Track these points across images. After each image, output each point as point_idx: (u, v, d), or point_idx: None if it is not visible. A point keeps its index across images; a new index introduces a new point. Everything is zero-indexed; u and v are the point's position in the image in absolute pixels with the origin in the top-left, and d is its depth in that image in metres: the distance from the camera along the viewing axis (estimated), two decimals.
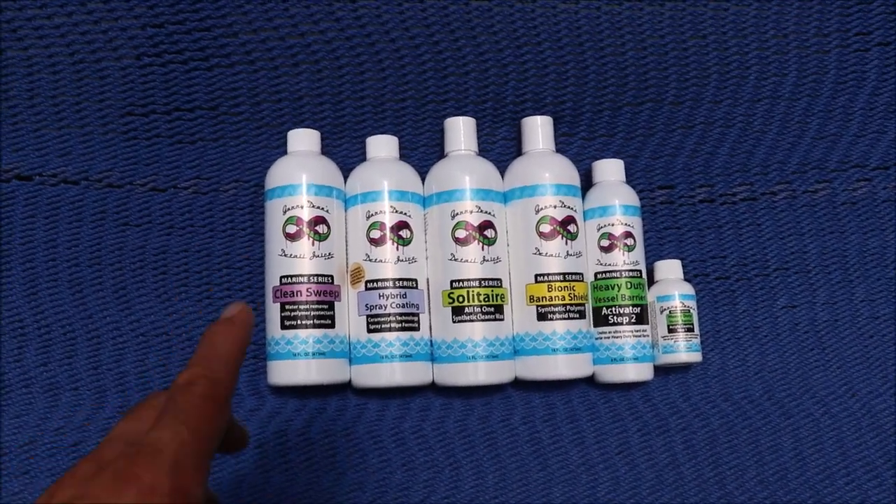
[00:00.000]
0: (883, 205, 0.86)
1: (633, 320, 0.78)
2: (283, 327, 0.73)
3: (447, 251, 0.76)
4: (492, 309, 0.75)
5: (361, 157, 0.81)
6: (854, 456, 0.80)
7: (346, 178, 0.79)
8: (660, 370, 0.81)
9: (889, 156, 0.86)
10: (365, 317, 0.75)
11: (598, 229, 0.79)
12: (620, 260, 0.79)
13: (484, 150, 0.82)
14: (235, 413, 0.76)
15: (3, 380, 0.76)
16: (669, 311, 0.79)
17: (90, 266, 0.79)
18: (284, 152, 0.79)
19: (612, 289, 0.78)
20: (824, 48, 0.84)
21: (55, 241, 0.78)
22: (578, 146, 0.84)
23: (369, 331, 0.75)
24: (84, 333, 0.78)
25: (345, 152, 0.82)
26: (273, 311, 0.74)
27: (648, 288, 0.81)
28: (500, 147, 0.84)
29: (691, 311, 0.79)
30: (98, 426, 0.76)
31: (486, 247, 0.76)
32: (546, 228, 0.76)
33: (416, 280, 0.76)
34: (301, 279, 0.74)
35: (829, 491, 0.78)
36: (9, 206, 0.78)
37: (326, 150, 0.81)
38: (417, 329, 0.75)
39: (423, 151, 0.83)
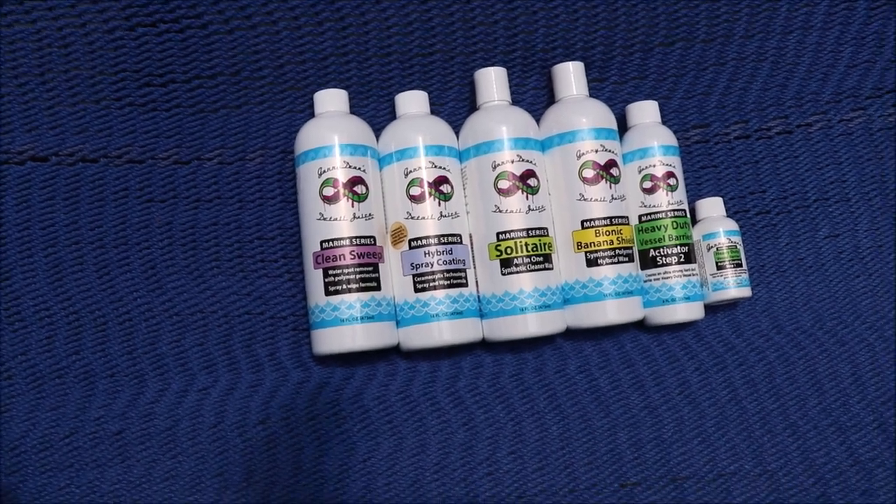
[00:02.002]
0: None
1: (680, 260, 0.77)
2: (328, 293, 0.71)
3: (490, 203, 0.74)
4: (540, 258, 0.73)
5: (390, 115, 0.79)
6: None
7: (377, 136, 0.76)
8: (708, 308, 0.80)
9: None
10: (411, 276, 0.73)
11: (640, 171, 0.78)
12: (664, 200, 0.78)
13: (515, 101, 0.80)
14: (283, 387, 0.74)
15: (35, 371, 0.72)
16: (716, 248, 0.78)
17: (116, 247, 0.75)
18: (311, 115, 0.76)
19: (658, 230, 0.77)
20: None
21: (77, 224, 0.74)
22: (610, 91, 0.83)
23: (416, 290, 0.72)
24: (115, 318, 0.74)
25: (372, 111, 0.80)
26: (315, 278, 0.72)
27: (692, 227, 0.80)
28: (531, 97, 0.82)
29: (738, 246, 0.78)
30: (139, 412, 0.72)
31: (529, 196, 0.74)
32: (589, 173, 0.75)
33: (459, 235, 0.74)
34: (343, 242, 0.71)
35: (892, 412, 0.78)
36: (26, 190, 0.74)
37: (354, 109, 0.78)
38: (465, 285, 0.73)
39: (452, 106, 0.81)
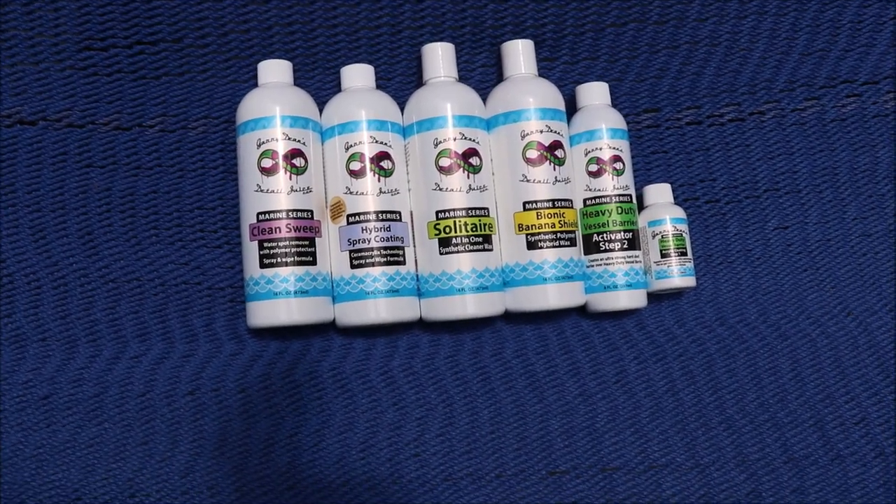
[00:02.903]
0: (873, 120, 0.84)
1: (624, 246, 0.76)
2: (263, 266, 0.70)
3: (431, 181, 0.73)
4: (480, 239, 0.72)
5: (335, 88, 0.78)
6: (852, 374, 0.79)
7: (320, 110, 0.75)
8: (652, 297, 0.79)
9: (878, 70, 0.84)
10: (348, 252, 0.72)
11: (586, 154, 0.77)
12: (610, 185, 0.76)
13: (463, 79, 0.79)
14: (215, 359, 0.73)
15: None
16: (661, 236, 0.77)
17: (53, 211, 0.74)
18: (255, 86, 0.75)
19: (603, 214, 0.76)
20: None
21: (13, 186, 0.74)
22: (561, 71, 0.82)
23: (353, 266, 0.71)
24: (50, 282, 0.74)
25: (318, 84, 0.79)
26: (251, 250, 0.71)
27: (638, 213, 0.78)
28: (480, 74, 0.81)
29: (683, 234, 0.77)
30: (68, 377, 0.71)
31: (471, 175, 0.73)
32: (533, 154, 0.74)
33: (399, 213, 0.73)
34: (279, 215, 0.70)
35: (830, 410, 0.77)
36: None
37: (298, 81, 0.77)
38: (403, 263, 0.72)
39: (400, 81, 0.80)
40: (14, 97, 0.74)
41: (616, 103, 0.81)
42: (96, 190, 0.75)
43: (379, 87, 0.77)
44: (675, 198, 0.81)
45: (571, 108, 0.79)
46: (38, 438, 0.70)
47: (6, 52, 0.74)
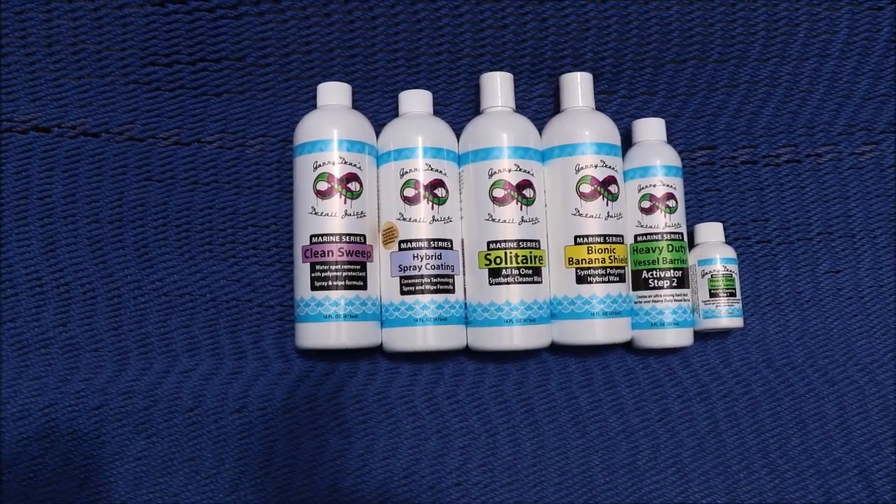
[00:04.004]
0: None
1: (673, 284, 0.76)
2: (314, 288, 0.71)
3: (484, 211, 0.73)
4: (529, 271, 0.72)
5: (393, 112, 0.78)
6: None
7: (377, 133, 0.76)
8: (698, 335, 0.79)
9: None
10: (398, 278, 0.72)
11: (639, 190, 0.77)
12: (661, 222, 0.76)
13: (520, 108, 0.79)
14: (262, 377, 0.74)
15: (21, 340, 0.73)
16: (711, 275, 0.77)
17: (111, 223, 0.75)
18: (313, 106, 0.76)
19: (653, 251, 0.76)
20: (877, 5, 0.81)
21: (74, 197, 0.75)
22: (617, 104, 0.82)
23: (403, 293, 0.72)
24: (104, 293, 0.75)
25: (375, 107, 0.79)
26: (302, 272, 0.71)
27: (688, 251, 0.78)
28: (537, 104, 0.81)
29: (733, 275, 0.77)
30: (119, 388, 0.73)
31: (524, 207, 0.73)
32: (586, 189, 0.74)
33: (451, 241, 0.73)
34: (332, 238, 0.71)
35: (876, 460, 0.76)
36: (26, 159, 0.74)
37: (357, 104, 0.78)
38: (452, 291, 0.73)
39: (457, 108, 0.80)
40: (79, 108, 0.76)
41: (672, 139, 0.81)
42: (153, 204, 0.76)
43: (436, 112, 0.77)
44: (726, 237, 0.81)
45: (627, 142, 0.79)
46: (88, 448, 0.71)
47: (74, 66, 0.75)
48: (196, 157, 0.77)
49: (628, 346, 0.79)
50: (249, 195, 0.78)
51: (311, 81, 0.78)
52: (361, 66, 0.79)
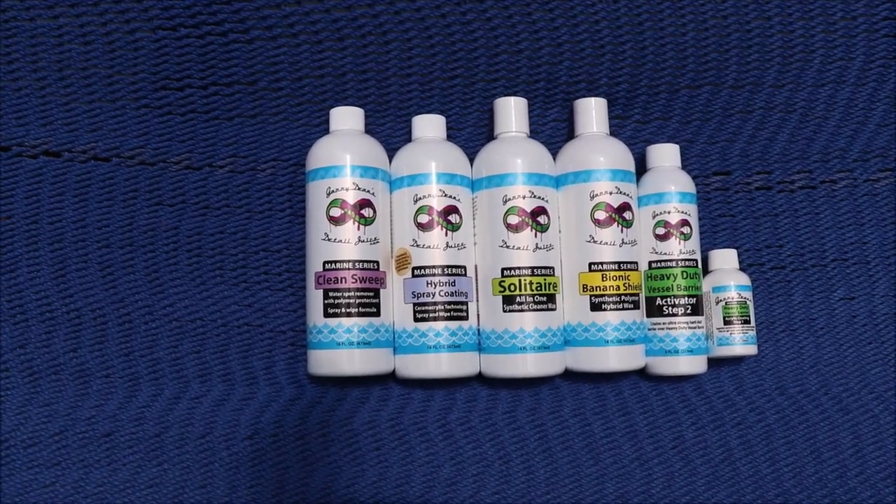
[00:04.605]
0: None
1: (687, 311, 0.76)
2: (326, 315, 0.70)
3: (498, 238, 0.73)
4: (544, 298, 0.72)
5: (406, 137, 0.78)
6: None
7: (390, 158, 0.75)
8: (712, 362, 0.78)
9: None
10: (412, 305, 0.72)
11: (654, 217, 0.76)
12: (676, 249, 0.76)
13: (534, 133, 0.79)
14: (274, 403, 0.74)
15: (31, 366, 0.73)
16: (725, 303, 0.76)
17: (121, 247, 0.75)
18: (326, 131, 0.76)
19: (668, 279, 0.76)
20: (892, 32, 0.80)
21: (84, 221, 0.75)
22: (632, 129, 0.81)
23: (416, 319, 0.71)
24: (115, 318, 0.74)
25: (388, 131, 0.79)
26: (315, 298, 0.71)
27: (703, 277, 0.78)
28: (551, 129, 0.81)
29: (748, 302, 0.77)
30: (130, 415, 0.72)
31: (538, 234, 0.73)
32: (601, 215, 0.73)
33: (464, 267, 0.73)
34: (345, 265, 0.70)
35: (891, 490, 0.76)
36: (37, 184, 0.74)
37: (370, 128, 0.77)
38: (466, 318, 0.72)
39: (471, 132, 0.80)
40: (90, 133, 0.75)
41: (686, 164, 0.80)
42: (164, 228, 0.76)
43: (449, 137, 0.77)
44: (740, 262, 0.80)
45: (641, 167, 0.79)
46: (100, 476, 0.71)
47: (85, 90, 0.75)
48: (207, 182, 0.77)
49: (642, 373, 0.78)
50: (261, 220, 0.77)
51: (324, 106, 0.77)
52: (374, 91, 0.78)
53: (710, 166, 0.82)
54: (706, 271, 0.79)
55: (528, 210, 0.73)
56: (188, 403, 0.74)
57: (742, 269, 0.80)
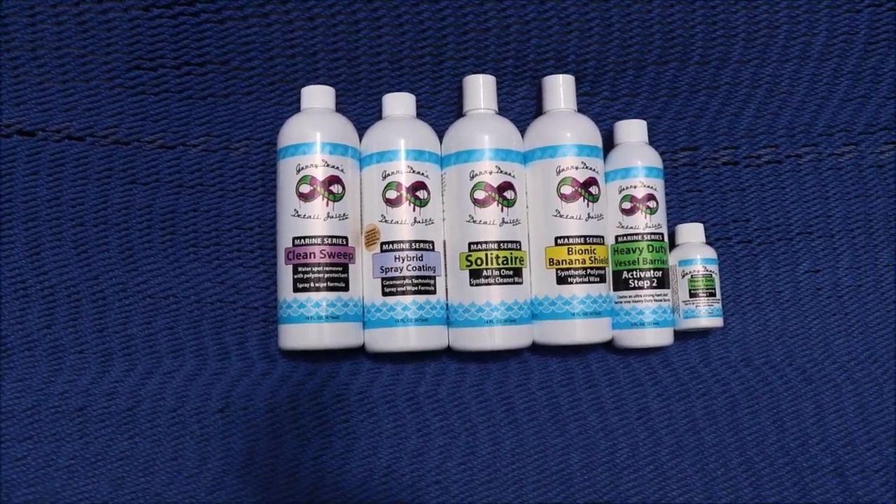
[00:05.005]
0: None
1: (653, 284, 0.76)
2: (296, 290, 0.71)
3: (465, 213, 0.74)
4: (510, 272, 0.73)
5: (377, 115, 0.79)
6: (875, 422, 0.79)
7: (360, 136, 0.76)
8: (679, 335, 0.79)
9: None
10: (380, 279, 0.73)
11: (620, 191, 0.77)
12: (642, 223, 0.77)
13: (503, 110, 0.80)
14: (245, 377, 0.75)
15: (4, 342, 0.74)
16: (691, 276, 0.77)
17: (95, 225, 0.76)
18: (298, 109, 0.77)
19: (634, 252, 0.77)
20: (856, 7, 0.81)
21: (59, 200, 0.76)
22: (600, 106, 0.82)
23: (384, 294, 0.72)
24: (89, 295, 0.75)
25: (360, 110, 0.80)
26: (285, 274, 0.72)
27: (669, 251, 0.79)
28: (520, 106, 0.82)
29: (713, 275, 0.78)
30: (103, 389, 0.73)
31: (505, 208, 0.74)
32: (567, 190, 0.74)
33: (432, 242, 0.74)
34: (314, 240, 0.72)
35: (851, 457, 0.77)
36: (10, 163, 0.75)
37: (341, 107, 0.78)
38: (433, 292, 0.73)
39: (441, 110, 0.81)
40: (64, 113, 0.76)
41: (654, 140, 0.81)
42: (138, 206, 0.77)
43: (420, 115, 0.78)
44: (707, 237, 0.81)
45: (609, 144, 0.80)
46: (71, 450, 0.72)
47: (59, 70, 0.76)
48: (181, 161, 0.78)
49: (609, 346, 0.79)
50: (234, 198, 0.78)
51: (296, 85, 0.78)
52: (345, 70, 0.79)
53: (678, 142, 0.83)
54: (673, 245, 0.80)
55: (495, 185, 0.73)
56: (160, 378, 0.75)
57: (709, 243, 0.81)
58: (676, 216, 0.82)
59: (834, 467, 0.77)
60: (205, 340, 0.77)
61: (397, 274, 0.72)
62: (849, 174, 0.84)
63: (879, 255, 0.83)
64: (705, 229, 0.81)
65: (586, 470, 0.75)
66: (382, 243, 0.73)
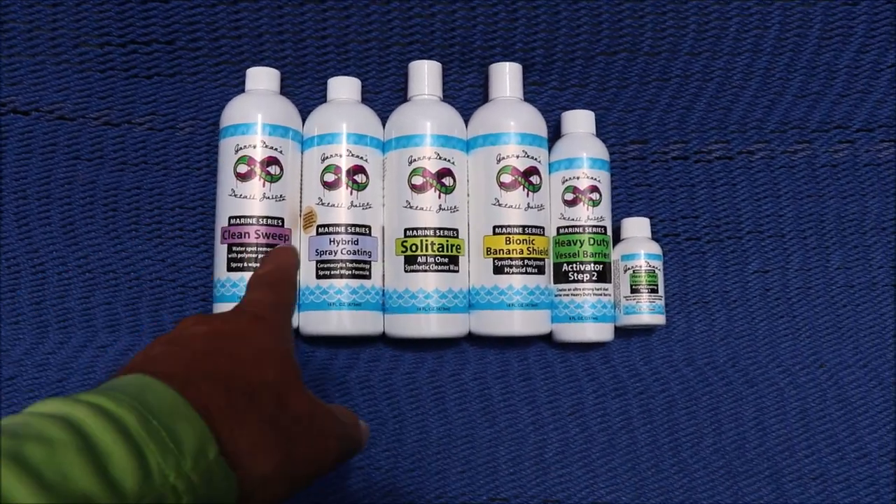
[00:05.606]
0: (864, 169, 0.81)
1: (594, 278, 0.75)
2: (230, 269, 0.71)
3: (403, 198, 0.73)
4: (446, 259, 0.72)
5: (323, 99, 0.78)
6: (816, 428, 0.76)
7: (304, 119, 0.76)
8: (622, 332, 0.78)
9: (873, 118, 0.81)
10: (315, 262, 0.72)
11: (563, 182, 0.76)
12: (584, 215, 0.75)
13: (450, 97, 0.79)
14: None
15: None
16: (633, 271, 0.76)
17: (38, 199, 0.76)
18: (243, 91, 0.76)
19: (574, 244, 0.75)
20: (809, 0, 0.79)
21: (1, 173, 0.76)
22: (549, 96, 0.81)
23: (318, 276, 0.72)
24: (28, 268, 0.76)
25: (306, 93, 0.80)
26: (221, 253, 0.72)
27: (614, 246, 0.77)
28: (468, 94, 0.81)
29: (656, 271, 0.76)
30: (35, 360, 0.73)
31: (443, 195, 0.73)
32: (507, 178, 0.73)
33: (369, 227, 0.73)
34: (250, 220, 0.71)
35: (788, 463, 0.74)
36: None
37: (287, 90, 0.78)
38: (368, 277, 0.72)
39: (388, 96, 0.80)
40: (10, 87, 0.77)
41: (603, 133, 0.80)
42: (81, 182, 0.77)
43: (367, 100, 0.78)
44: (654, 233, 0.79)
45: (558, 135, 0.78)
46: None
47: (5, 44, 0.76)
48: (126, 138, 0.78)
49: (550, 340, 0.78)
50: (178, 177, 0.78)
51: (242, 66, 0.78)
52: (291, 53, 0.79)
53: (628, 135, 0.81)
54: (619, 240, 0.78)
55: (433, 171, 0.73)
56: (93, 352, 0.75)
57: (656, 239, 0.79)
58: (624, 210, 0.80)
59: (770, 472, 0.74)
60: (141, 317, 0.77)
61: (332, 257, 0.72)
62: (801, 173, 0.81)
63: (830, 257, 0.81)
64: (653, 225, 0.79)
65: (513, 463, 0.73)
66: (319, 226, 0.72)
